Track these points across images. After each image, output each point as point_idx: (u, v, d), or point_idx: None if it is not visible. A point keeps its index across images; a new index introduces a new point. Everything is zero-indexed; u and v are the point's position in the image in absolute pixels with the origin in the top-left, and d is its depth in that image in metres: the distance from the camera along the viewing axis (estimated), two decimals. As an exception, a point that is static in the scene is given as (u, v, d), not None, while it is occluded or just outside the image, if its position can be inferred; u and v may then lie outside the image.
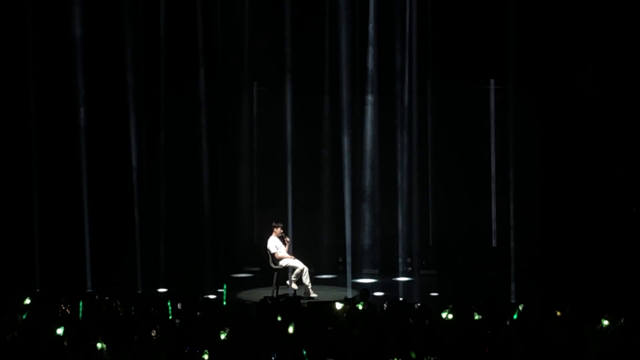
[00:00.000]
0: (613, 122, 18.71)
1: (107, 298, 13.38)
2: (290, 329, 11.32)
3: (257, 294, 16.69)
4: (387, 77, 19.91)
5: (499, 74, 19.23)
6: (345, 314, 12.46)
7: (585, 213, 18.94)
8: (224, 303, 13.29)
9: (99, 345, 10.32)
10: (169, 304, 12.68)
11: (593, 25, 18.57)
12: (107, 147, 19.57)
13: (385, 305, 13.14)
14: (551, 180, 19.48)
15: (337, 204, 20.07)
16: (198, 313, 12.46)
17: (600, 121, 18.81)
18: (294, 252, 17.72)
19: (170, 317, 12.34)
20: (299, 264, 17.14)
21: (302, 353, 10.10)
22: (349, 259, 19.26)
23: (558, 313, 11.86)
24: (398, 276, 19.70)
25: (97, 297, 13.64)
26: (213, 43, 19.88)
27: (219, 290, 17.25)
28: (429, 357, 9.98)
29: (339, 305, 12.72)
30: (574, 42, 18.79)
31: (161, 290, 18.06)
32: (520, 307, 12.23)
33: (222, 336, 10.88)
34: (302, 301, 14.21)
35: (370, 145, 20.26)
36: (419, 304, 12.98)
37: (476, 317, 12.18)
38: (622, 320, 11.30)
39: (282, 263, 17.18)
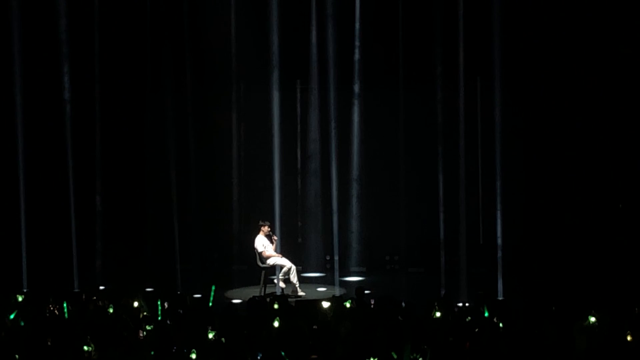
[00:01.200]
0: (599, 119, 18.75)
1: (95, 298, 13.35)
2: (276, 324, 11.35)
3: (245, 293, 16.69)
4: (374, 74, 19.92)
5: (486, 72, 19.23)
6: (332, 313, 12.45)
7: (572, 209, 18.98)
8: (210, 304, 13.26)
9: (85, 347, 10.31)
10: (158, 303, 12.66)
11: (579, 25, 18.61)
12: (93, 147, 19.53)
13: (372, 302, 13.15)
14: (538, 177, 19.51)
15: (324, 202, 20.08)
16: (180, 311, 12.44)
17: (586, 118, 18.85)
18: (282, 250, 17.72)
19: (160, 317, 12.32)
20: (286, 263, 17.15)
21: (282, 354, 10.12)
22: (336, 257, 19.29)
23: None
24: (385, 274, 19.72)
25: (84, 296, 13.61)
26: (198, 40, 19.85)
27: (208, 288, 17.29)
28: (415, 355, 9.99)
29: (325, 304, 12.72)
30: (559, 40, 18.83)
31: (148, 289, 18.01)
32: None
33: (210, 335, 10.88)
34: (289, 300, 14.21)
35: (357, 143, 20.28)
36: (404, 302, 12.99)
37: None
38: (609, 316, 11.34)
39: (270, 262, 17.18)
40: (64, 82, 19.10)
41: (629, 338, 10.58)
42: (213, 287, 14.00)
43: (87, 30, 19.29)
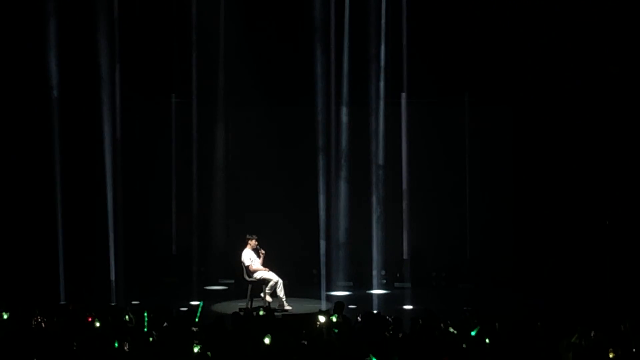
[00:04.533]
0: (587, 136, 18.83)
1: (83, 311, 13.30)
2: (267, 340, 11.30)
3: (231, 307, 16.65)
4: (362, 90, 19.95)
5: (474, 87, 19.29)
6: (327, 327, 12.39)
7: (560, 226, 19.04)
8: (197, 320, 13.22)
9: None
10: (145, 314, 12.62)
11: (567, 39, 18.71)
12: (80, 159, 19.50)
13: (359, 318, 13.14)
14: (526, 193, 19.56)
15: (311, 217, 20.07)
16: (165, 324, 12.41)
17: (574, 135, 18.93)
18: (269, 264, 17.70)
19: (146, 329, 12.29)
20: (273, 277, 17.13)
21: None
22: (323, 271, 19.26)
23: None
24: (372, 289, 19.72)
25: (70, 309, 13.56)
26: (187, 54, 19.90)
27: (193, 302, 17.28)
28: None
29: (322, 318, 12.66)
30: (548, 56, 18.91)
31: (134, 302, 17.96)
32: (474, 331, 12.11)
33: (195, 349, 10.84)
34: (276, 314, 14.18)
35: (345, 158, 20.30)
36: (390, 318, 12.98)
37: (450, 330, 12.22)
38: (593, 334, 11.36)
39: (257, 275, 17.16)
40: (52, 99, 19.09)
41: (611, 355, 10.60)
42: (201, 303, 13.97)
43: (77, 44, 19.29)
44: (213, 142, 20.58)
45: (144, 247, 19.68)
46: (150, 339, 11.44)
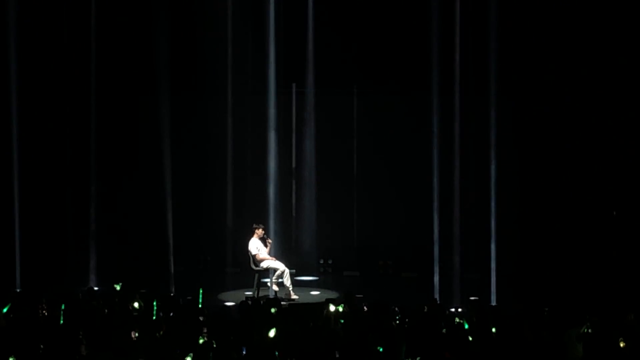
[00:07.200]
0: (593, 127, 18.82)
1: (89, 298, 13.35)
2: (272, 333, 11.33)
3: (238, 296, 16.69)
4: (371, 79, 19.96)
5: (476, 81, 19.26)
6: (335, 316, 12.40)
7: (566, 216, 19.03)
8: (199, 306, 13.25)
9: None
10: (154, 303, 12.67)
11: (571, 33, 18.68)
12: (87, 147, 19.53)
13: (365, 307, 13.17)
14: (531, 184, 19.56)
15: (319, 206, 20.09)
16: (171, 313, 12.45)
17: (580, 126, 18.91)
18: (275, 253, 17.74)
19: (154, 318, 12.33)
20: (280, 266, 17.16)
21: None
22: (330, 260, 19.27)
23: None
24: (378, 278, 19.74)
25: (80, 296, 13.61)
26: (191, 43, 19.91)
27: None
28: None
29: (332, 308, 12.69)
30: (556, 51, 18.89)
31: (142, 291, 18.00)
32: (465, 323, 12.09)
33: (201, 341, 10.85)
34: (282, 303, 14.21)
35: (353, 147, 20.32)
36: (397, 307, 13.01)
37: (456, 320, 12.24)
38: (601, 323, 11.37)
39: (263, 264, 17.19)
40: (60, 83, 19.10)
41: (621, 345, 10.61)
42: (201, 291, 14.01)
43: (83, 33, 19.30)
44: (224, 132, 20.61)
45: (150, 236, 19.70)
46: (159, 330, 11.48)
